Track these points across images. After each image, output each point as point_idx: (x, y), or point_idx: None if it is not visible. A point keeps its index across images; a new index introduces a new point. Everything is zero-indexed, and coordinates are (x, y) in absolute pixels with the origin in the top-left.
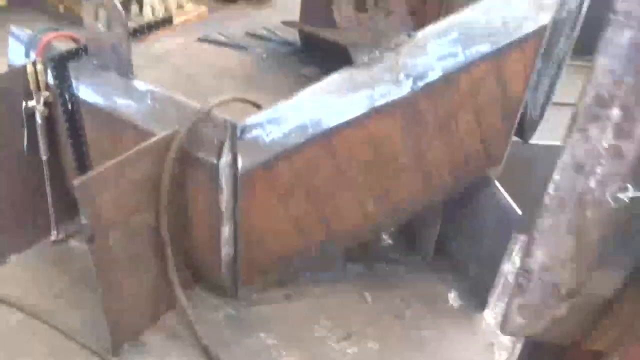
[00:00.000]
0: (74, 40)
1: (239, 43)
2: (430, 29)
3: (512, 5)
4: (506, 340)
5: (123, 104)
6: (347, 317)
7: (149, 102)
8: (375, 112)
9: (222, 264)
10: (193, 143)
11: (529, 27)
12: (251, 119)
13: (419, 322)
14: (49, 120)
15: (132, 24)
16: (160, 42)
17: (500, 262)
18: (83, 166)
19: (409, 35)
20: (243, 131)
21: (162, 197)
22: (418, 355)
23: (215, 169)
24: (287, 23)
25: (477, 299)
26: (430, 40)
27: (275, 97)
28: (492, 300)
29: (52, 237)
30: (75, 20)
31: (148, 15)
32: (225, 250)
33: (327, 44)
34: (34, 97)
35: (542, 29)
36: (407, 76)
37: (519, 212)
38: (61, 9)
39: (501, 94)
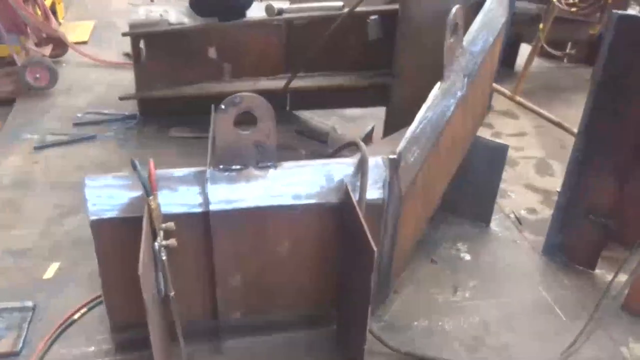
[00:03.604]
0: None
1: (84, 135)
2: (466, 38)
3: (492, 12)
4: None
5: (276, 192)
6: (443, 279)
7: (299, 174)
8: (455, 108)
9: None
10: None
11: (501, 22)
12: (400, 147)
13: (476, 250)
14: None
15: None
16: None
17: (493, 186)
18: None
19: (462, 48)
20: (399, 161)
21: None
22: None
23: (381, 204)
24: (125, 97)
25: (481, 221)
26: (469, 46)
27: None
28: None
29: None
30: None
31: None
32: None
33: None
34: (158, 234)
35: (506, 21)
36: (464, 76)
37: (506, 144)
38: None
39: (491, 66)
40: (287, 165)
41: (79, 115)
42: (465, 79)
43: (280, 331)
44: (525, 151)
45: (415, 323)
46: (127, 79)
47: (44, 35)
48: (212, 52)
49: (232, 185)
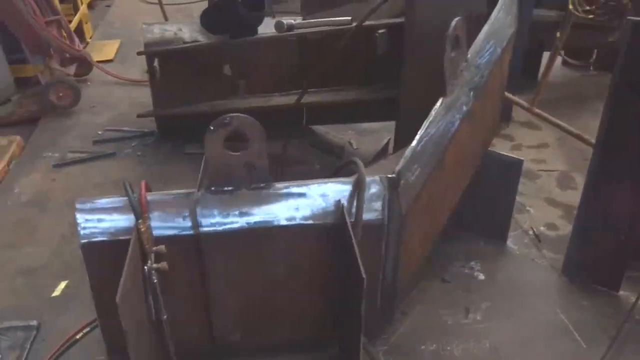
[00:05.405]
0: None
1: (103, 153)
2: (471, 50)
3: (499, 22)
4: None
5: (269, 214)
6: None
7: (292, 196)
8: (460, 123)
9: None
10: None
11: (509, 32)
12: (400, 166)
13: (491, 269)
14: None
15: None
16: (17, 191)
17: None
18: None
19: (466, 61)
20: (398, 180)
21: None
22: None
23: (381, 224)
24: (143, 115)
25: (497, 238)
26: (475, 58)
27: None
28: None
29: None
30: None
31: None
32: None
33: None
34: (149, 257)
35: (514, 32)
36: (470, 90)
37: (521, 159)
38: None
39: (501, 78)
40: (280, 186)
41: (100, 132)
42: (471, 93)
43: (282, 353)
44: (546, 164)
45: (423, 347)
46: (148, 96)
47: (67, 55)
48: (226, 69)
49: (224, 206)
